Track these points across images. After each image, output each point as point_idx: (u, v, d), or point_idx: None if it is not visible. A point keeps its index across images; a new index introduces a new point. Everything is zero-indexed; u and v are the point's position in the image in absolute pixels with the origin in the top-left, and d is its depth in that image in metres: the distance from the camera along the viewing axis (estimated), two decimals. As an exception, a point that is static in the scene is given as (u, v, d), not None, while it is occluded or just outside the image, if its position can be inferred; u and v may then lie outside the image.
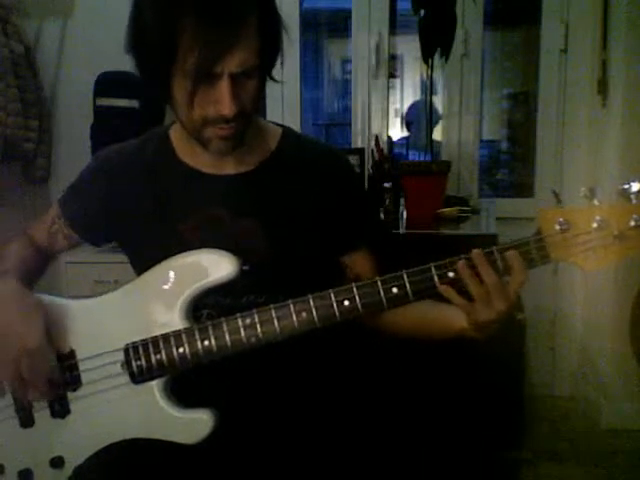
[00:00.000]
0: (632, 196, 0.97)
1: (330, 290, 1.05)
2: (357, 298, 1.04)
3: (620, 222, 0.97)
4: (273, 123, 1.30)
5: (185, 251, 1.12)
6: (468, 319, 1.07)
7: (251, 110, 1.11)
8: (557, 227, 0.99)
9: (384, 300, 1.04)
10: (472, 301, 1.03)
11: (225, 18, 0.99)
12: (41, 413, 1.14)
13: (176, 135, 1.25)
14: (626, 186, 0.97)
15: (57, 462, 1.13)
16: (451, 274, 1.02)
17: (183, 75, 1.03)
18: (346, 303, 1.04)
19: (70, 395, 1.13)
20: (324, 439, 1.23)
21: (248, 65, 1.04)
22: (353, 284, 1.05)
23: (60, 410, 1.14)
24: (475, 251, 1.01)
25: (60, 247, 1.35)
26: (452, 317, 1.14)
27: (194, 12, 0.98)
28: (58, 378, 1.11)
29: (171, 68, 1.03)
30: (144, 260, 1.17)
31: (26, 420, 1.15)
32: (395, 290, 1.03)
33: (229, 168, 1.21)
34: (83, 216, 1.30)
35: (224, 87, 1.03)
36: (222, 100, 1.04)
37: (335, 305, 1.05)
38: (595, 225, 0.98)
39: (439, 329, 1.19)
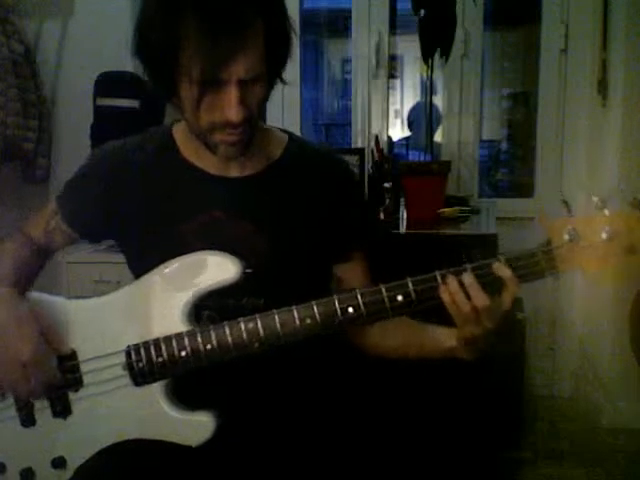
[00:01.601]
0: None
1: (334, 296, 1.05)
2: (361, 305, 1.04)
3: (630, 233, 0.95)
4: (280, 130, 1.30)
5: (186, 253, 1.12)
6: (458, 331, 1.07)
7: (258, 115, 1.11)
8: (566, 237, 0.98)
9: (388, 307, 1.03)
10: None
11: (230, 25, 0.98)
12: (42, 413, 1.14)
13: (180, 134, 1.24)
14: (638, 196, 0.95)
15: (59, 462, 1.13)
16: (451, 289, 1.01)
17: (189, 81, 1.02)
18: (350, 310, 1.04)
19: (72, 395, 1.13)
20: (325, 441, 1.23)
21: (255, 71, 1.03)
22: (357, 291, 1.04)
23: (61, 410, 1.14)
24: (466, 274, 1.01)
25: (57, 244, 1.34)
26: (440, 337, 1.14)
27: (199, 18, 0.98)
28: (58, 381, 1.11)
29: (177, 73, 1.03)
30: (143, 261, 1.16)
31: (27, 420, 1.15)
32: (400, 297, 1.03)
33: (234, 170, 1.21)
34: (81, 212, 1.29)
35: (231, 93, 1.03)
36: (229, 106, 1.03)
37: (339, 312, 1.04)
38: (605, 236, 0.96)
39: (427, 349, 1.19)
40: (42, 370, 1.09)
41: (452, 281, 1.01)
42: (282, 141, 1.27)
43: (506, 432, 2.46)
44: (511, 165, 3.57)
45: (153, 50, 1.03)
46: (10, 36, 2.71)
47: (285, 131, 1.30)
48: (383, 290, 1.03)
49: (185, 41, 0.99)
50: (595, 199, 0.97)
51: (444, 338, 1.13)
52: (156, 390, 1.11)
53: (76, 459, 1.13)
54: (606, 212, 0.97)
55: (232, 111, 1.04)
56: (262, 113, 1.14)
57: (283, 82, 1.15)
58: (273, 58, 1.07)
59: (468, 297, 1.01)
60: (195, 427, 1.09)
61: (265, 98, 1.11)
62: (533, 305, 2.89)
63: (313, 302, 1.05)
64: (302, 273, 1.21)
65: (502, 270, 1.00)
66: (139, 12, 1.06)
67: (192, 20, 0.98)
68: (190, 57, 0.99)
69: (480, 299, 1.00)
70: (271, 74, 1.09)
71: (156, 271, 1.13)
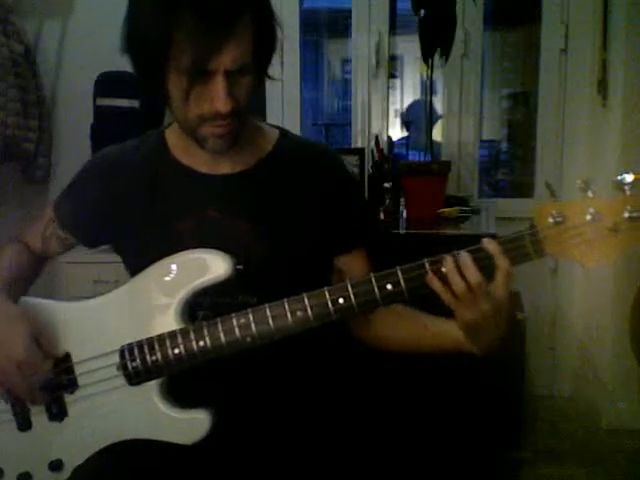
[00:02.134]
0: (626, 187, 0.95)
1: (325, 288, 1.05)
2: (352, 296, 1.04)
3: (614, 214, 0.95)
4: (270, 125, 1.31)
5: (180, 251, 1.12)
6: (456, 319, 1.06)
7: (245, 108, 1.11)
8: (551, 220, 0.98)
9: (379, 297, 1.03)
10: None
11: (219, 15, 1.00)
12: (38, 416, 1.14)
13: (172, 135, 1.25)
14: (620, 177, 0.95)
15: (56, 465, 1.13)
16: (444, 269, 1.01)
17: (178, 73, 1.03)
18: (341, 301, 1.04)
19: (67, 398, 1.13)
20: (322, 439, 1.23)
21: (242, 62, 1.04)
22: (347, 281, 1.05)
23: (57, 413, 1.14)
24: (462, 252, 1.01)
25: (55, 250, 1.35)
26: (447, 329, 1.14)
27: (188, 10, 0.99)
28: (52, 384, 1.12)
29: (166, 66, 1.04)
30: (139, 261, 1.16)
31: (23, 423, 1.15)
32: (389, 287, 1.03)
33: (225, 168, 1.22)
34: (78, 217, 1.30)
35: (219, 84, 1.04)
36: (217, 96, 1.04)
37: (330, 303, 1.04)
38: (589, 217, 0.96)
39: (433, 342, 1.19)
40: (37, 370, 1.09)
41: (447, 262, 1.00)
42: (273, 136, 1.27)
43: (506, 432, 2.46)
44: (511, 165, 3.57)
45: (143, 45, 1.04)
46: (10, 36, 2.72)
47: (276, 126, 1.31)
48: (373, 280, 1.03)
49: (174, 33, 1.00)
50: (579, 181, 0.97)
51: (451, 331, 1.12)
52: (151, 389, 1.11)
53: (73, 461, 1.13)
54: (590, 194, 0.97)
55: (220, 102, 1.04)
56: (249, 109, 1.14)
57: (270, 78, 1.17)
58: (260, 52, 1.08)
59: (461, 278, 1.00)
60: (191, 425, 1.09)
61: (253, 91, 1.11)
62: (533, 305, 2.89)
63: (304, 294, 1.05)
64: (298, 268, 1.21)
65: (491, 245, 0.99)
66: (128, 8, 1.07)
67: (182, 13, 0.99)
68: (179, 49, 1.00)
69: (473, 276, 0.99)
70: (258, 68, 1.10)
71: (148, 271, 1.13)
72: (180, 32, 0.99)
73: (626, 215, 0.95)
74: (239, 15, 1.02)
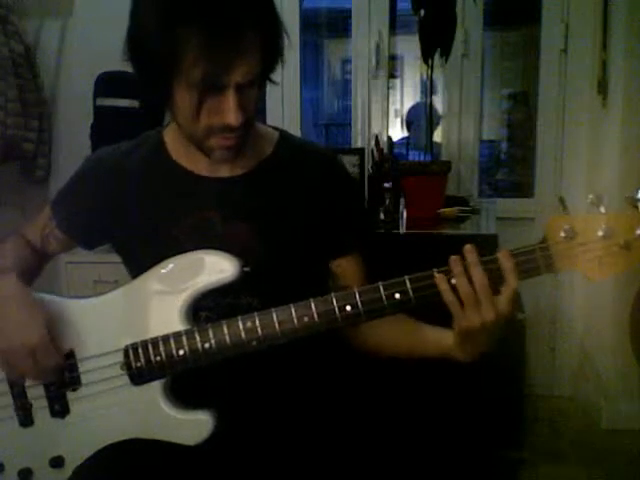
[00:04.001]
0: (639, 204, 0.95)
1: (332, 295, 1.05)
2: (359, 303, 1.03)
3: (626, 231, 0.95)
4: (270, 127, 1.30)
5: (180, 253, 1.12)
6: (454, 324, 1.05)
7: (253, 118, 1.12)
8: (562, 235, 0.97)
9: (386, 305, 1.03)
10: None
11: (229, 30, 0.98)
12: (40, 413, 1.14)
13: (170, 137, 1.25)
14: (634, 194, 0.95)
15: (57, 462, 1.13)
16: (453, 280, 1.00)
17: (187, 86, 1.02)
18: (348, 308, 1.04)
19: (70, 395, 1.13)
20: (324, 440, 1.23)
21: (252, 74, 1.04)
22: (355, 289, 1.04)
23: (60, 410, 1.14)
24: (467, 246, 1.00)
25: (53, 250, 1.35)
26: (436, 335, 1.14)
27: (198, 25, 0.97)
28: (60, 374, 1.11)
29: (174, 80, 1.02)
30: (139, 262, 1.16)
31: (25, 419, 1.15)
32: (398, 296, 1.02)
33: (224, 171, 1.21)
34: (74, 219, 1.30)
35: (230, 98, 1.03)
36: (228, 110, 1.04)
37: (337, 310, 1.04)
38: (601, 234, 0.96)
39: (421, 347, 1.18)
40: (47, 358, 1.08)
41: (455, 263, 1.00)
42: (272, 139, 1.27)
43: (506, 432, 2.46)
44: (511, 165, 3.56)
45: (151, 58, 1.02)
46: (10, 36, 2.72)
47: (275, 128, 1.31)
48: (381, 288, 1.03)
49: (184, 48, 0.98)
50: (590, 197, 0.97)
51: (440, 337, 1.12)
52: (154, 389, 1.11)
53: (74, 459, 1.13)
54: (602, 210, 0.96)
55: (232, 115, 1.04)
56: (261, 112, 1.14)
57: (273, 82, 1.16)
58: (268, 61, 1.07)
59: (469, 282, 0.99)
60: (194, 426, 1.09)
61: (259, 99, 1.11)
62: (533, 305, 2.89)
63: (311, 300, 1.05)
64: (298, 270, 1.21)
65: (505, 260, 0.99)
66: (133, 19, 1.05)
67: (191, 29, 0.97)
68: (189, 63, 0.99)
69: (480, 277, 0.98)
70: (263, 76, 1.10)
71: (153, 271, 1.13)
72: (190, 48, 0.97)
73: (638, 233, 0.95)
74: (248, 29, 1.00)
